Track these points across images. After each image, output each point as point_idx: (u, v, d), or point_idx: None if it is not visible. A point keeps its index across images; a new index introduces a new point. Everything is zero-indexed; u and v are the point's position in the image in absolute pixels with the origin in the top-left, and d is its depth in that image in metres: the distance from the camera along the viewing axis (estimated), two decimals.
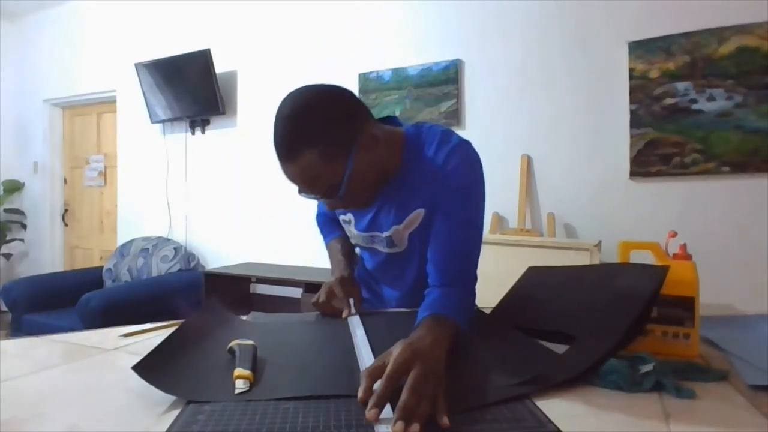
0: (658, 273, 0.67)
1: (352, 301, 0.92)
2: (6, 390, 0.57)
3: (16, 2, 3.94)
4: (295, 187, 0.81)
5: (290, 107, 0.76)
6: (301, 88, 0.79)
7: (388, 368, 0.53)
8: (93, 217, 4.08)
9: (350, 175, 0.78)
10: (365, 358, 0.65)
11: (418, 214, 0.88)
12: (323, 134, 0.75)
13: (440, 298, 0.78)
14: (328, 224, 1.19)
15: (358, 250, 1.10)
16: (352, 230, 1.02)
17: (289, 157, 0.75)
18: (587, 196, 2.24)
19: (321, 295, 0.94)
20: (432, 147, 0.85)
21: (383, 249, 0.97)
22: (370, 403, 0.49)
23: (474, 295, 0.88)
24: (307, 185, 0.79)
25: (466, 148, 0.85)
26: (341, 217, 1.04)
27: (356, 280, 1.02)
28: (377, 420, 0.47)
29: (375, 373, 0.53)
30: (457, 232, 0.84)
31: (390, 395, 0.50)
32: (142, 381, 0.55)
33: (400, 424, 0.45)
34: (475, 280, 0.88)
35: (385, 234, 0.93)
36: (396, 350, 0.56)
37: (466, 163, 0.84)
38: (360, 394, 0.51)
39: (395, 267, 0.99)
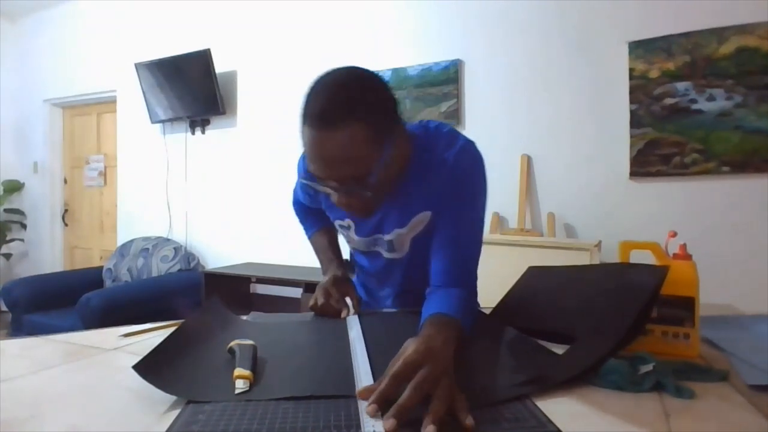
0: (658, 273, 0.67)
1: (350, 301, 0.92)
2: (6, 390, 0.57)
3: (15, 2, 3.94)
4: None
5: (337, 77, 0.69)
6: (342, 66, 0.71)
7: (396, 366, 0.52)
8: (93, 217, 4.08)
9: (384, 165, 0.71)
10: (360, 358, 0.65)
11: (424, 217, 0.86)
12: (374, 112, 0.69)
13: (446, 298, 0.77)
14: (307, 215, 1.14)
15: (342, 238, 1.05)
16: (352, 236, 0.97)
17: (333, 125, 0.66)
18: (587, 196, 2.24)
19: (318, 297, 0.93)
20: (439, 148, 0.83)
21: (384, 252, 0.94)
22: (371, 398, 0.48)
23: (476, 295, 0.89)
24: (338, 164, 0.69)
25: (472, 149, 0.84)
26: (338, 223, 0.97)
27: (350, 280, 1.01)
28: (375, 414, 0.46)
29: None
30: (463, 232, 0.84)
31: (393, 394, 0.49)
32: (142, 381, 0.55)
33: (391, 422, 0.44)
34: (476, 279, 0.88)
35: (387, 237, 0.91)
36: (409, 349, 0.55)
37: (473, 164, 0.83)
38: (360, 389, 0.51)
39: (393, 270, 0.97)
